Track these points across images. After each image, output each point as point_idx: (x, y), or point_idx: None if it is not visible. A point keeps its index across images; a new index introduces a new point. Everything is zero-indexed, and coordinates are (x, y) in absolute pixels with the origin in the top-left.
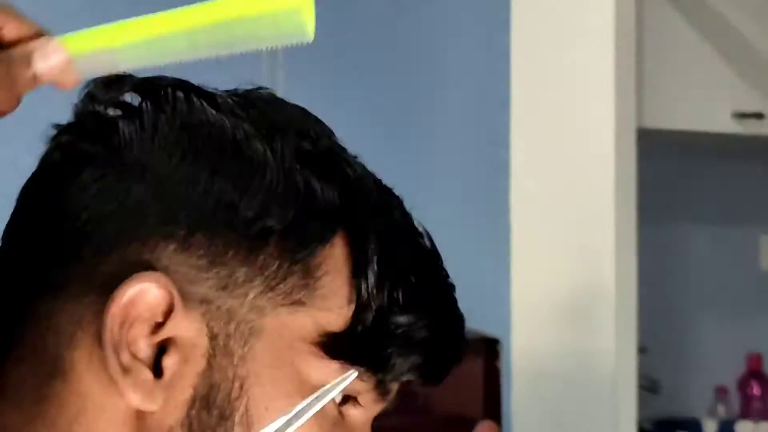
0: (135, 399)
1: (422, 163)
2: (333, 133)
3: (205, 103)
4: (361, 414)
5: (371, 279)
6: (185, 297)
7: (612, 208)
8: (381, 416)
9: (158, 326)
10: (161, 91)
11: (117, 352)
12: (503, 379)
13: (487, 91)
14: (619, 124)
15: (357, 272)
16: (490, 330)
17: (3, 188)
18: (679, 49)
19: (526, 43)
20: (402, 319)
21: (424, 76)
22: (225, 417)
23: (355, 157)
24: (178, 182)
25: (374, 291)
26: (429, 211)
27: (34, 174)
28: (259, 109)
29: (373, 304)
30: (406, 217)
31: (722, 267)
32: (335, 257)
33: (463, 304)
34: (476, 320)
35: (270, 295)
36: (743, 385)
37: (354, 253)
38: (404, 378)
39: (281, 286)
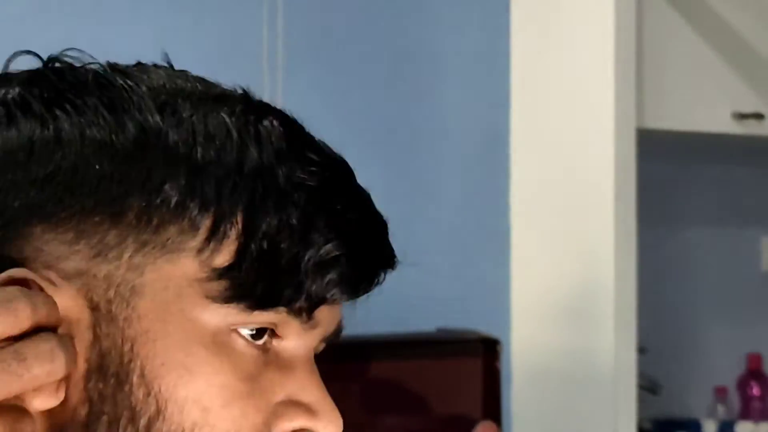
0: (37, 402)
1: (422, 163)
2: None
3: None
4: (294, 345)
5: (246, 206)
6: (59, 274)
7: (612, 209)
8: (380, 416)
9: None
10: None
11: None
12: (503, 379)
13: (487, 91)
14: (619, 124)
15: (231, 201)
16: (490, 330)
17: None
18: (679, 49)
19: (526, 44)
20: (294, 239)
21: (424, 75)
22: (122, 382)
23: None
24: (28, 162)
25: (258, 216)
26: (429, 211)
27: None
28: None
29: (258, 231)
30: (282, 122)
31: (722, 268)
32: (200, 195)
33: (463, 304)
34: (476, 320)
35: (146, 250)
36: (743, 385)
37: (218, 184)
38: (325, 300)
39: (155, 238)
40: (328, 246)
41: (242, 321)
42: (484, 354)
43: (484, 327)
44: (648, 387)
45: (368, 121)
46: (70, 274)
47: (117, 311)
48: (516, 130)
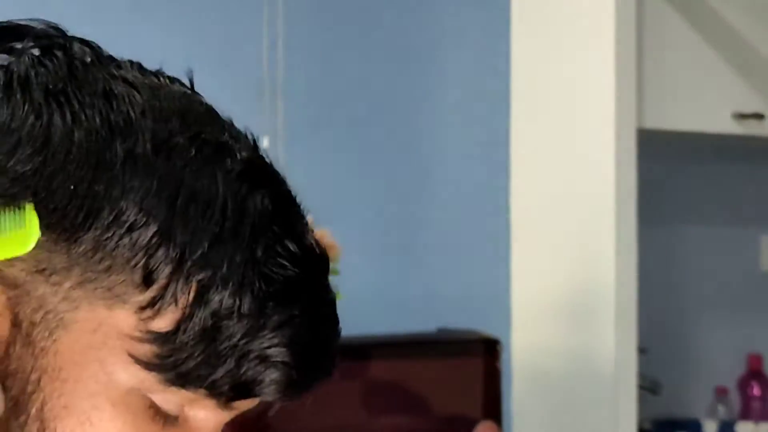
0: None
1: (422, 162)
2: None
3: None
4: (204, 417)
5: (205, 279)
6: None
7: (612, 208)
8: (380, 416)
9: None
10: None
11: None
12: (503, 379)
13: (487, 91)
14: (619, 124)
15: (192, 269)
16: (490, 330)
17: None
18: (679, 49)
19: (526, 44)
20: (240, 328)
21: (424, 75)
22: (20, 409)
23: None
24: (10, 152)
25: (213, 291)
26: (429, 211)
27: None
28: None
29: (208, 306)
30: (273, 201)
31: (722, 267)
32: (164, 252)
33: (463, 304)
34: (476, 320)
35: (88, 287)
36: (743, 385)
37: (186, 248)
38: (249, 396)
39: (102, 278)
40: (273, 349)
41: (158, 391)
42: (484, 354)
43: (484, 327)
44: (648, 387)
45: (368, 121)
46: (7, 280)
47: (37, 337)
48: (516, 130)
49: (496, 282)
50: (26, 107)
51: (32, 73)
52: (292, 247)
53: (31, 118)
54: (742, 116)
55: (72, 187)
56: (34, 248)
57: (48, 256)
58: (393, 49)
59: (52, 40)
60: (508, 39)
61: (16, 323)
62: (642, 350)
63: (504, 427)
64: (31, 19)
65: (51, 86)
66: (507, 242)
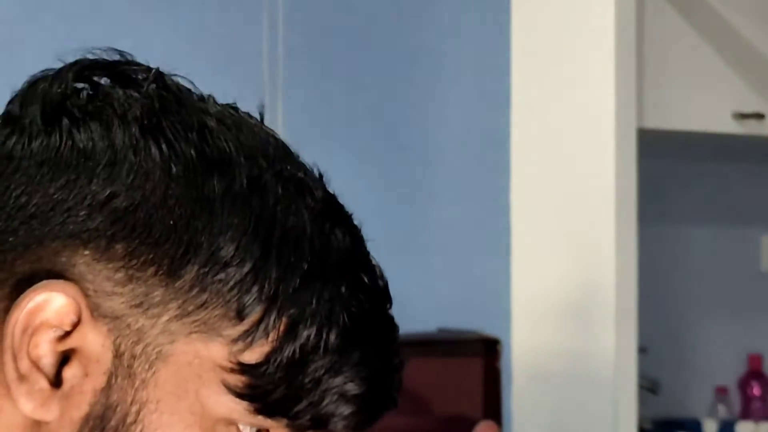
0: (27, 407)
1: (422, 162)
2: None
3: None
4: None
5: (295, 314)
6: (96, 309)
7: (612, 208)
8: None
9: (65, 335)
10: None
11: (15, 359)
12: (503, 379)
13: (487, 91)
14: (619, 124)
15: (285, 304)
16: (490, 330)
17: None
18: (679, 49)
19: (526, 44)
20: (325, 362)
21: (424, 75)
22: None
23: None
24: (111, 189)
25: (302, 326)
26: (429, 211)
27: None
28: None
29: (297, 341)
30: (351, 237)
31: (722, 267)
32: (258, 288)
33: (463, 304)
34: (476, 320)
35: (185, 320)
36: (743, 385)
37: (279, 285)
38: (326, 427)
39: (198, 312)
40: (352, 384)
41: (246, 420)
42: (484, 354)
43: (484, 327)
44: (648, 387)
45: (369, 121)
46: (105, 312)
47: (138, 369)
48: (516, 130)
49: (496, 282)
50: (124, 142)
51: (126, 106)
52: (368, 282)
53: (130, 153)
54: (742, 116)
55: (172, 222)
56: (133, 283)
57: (146, 291)
58: (393, 49)
59: (136, 72)
60: (508, 38)
61: (117, 355)
62: (642, 350)
63: (504, 427)
64: (104, 50)
65: (146, 120)
66: (507, 242)
